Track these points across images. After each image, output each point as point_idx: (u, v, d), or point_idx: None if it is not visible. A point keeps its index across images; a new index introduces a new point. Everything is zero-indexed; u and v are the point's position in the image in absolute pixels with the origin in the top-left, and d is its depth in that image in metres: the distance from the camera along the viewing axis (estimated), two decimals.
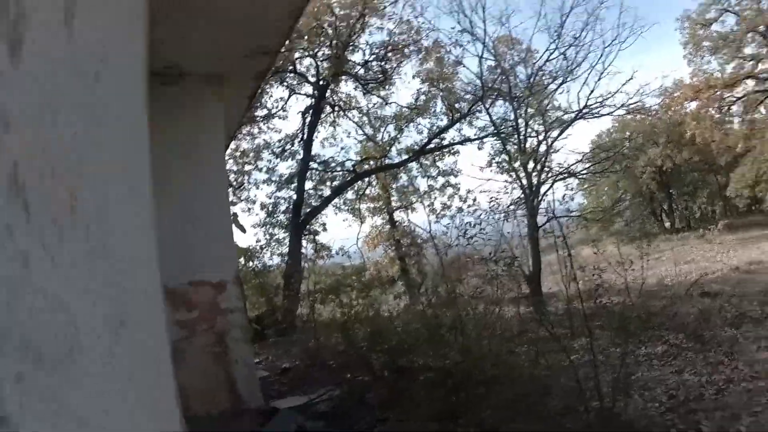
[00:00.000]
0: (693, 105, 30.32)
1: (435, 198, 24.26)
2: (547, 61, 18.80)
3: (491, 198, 8.63)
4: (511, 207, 8.93)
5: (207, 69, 6.49)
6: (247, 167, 22.18)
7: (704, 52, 30.42)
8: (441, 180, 24.06)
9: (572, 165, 18.76)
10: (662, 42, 57.88)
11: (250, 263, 17.35)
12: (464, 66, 20.06)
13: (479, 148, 21.69)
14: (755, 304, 11.73)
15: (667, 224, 41.08)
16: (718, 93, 28.96)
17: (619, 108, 19.15)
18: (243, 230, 8.10)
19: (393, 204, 24.84)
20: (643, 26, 24.26)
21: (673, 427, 5.73)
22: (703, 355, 8.49)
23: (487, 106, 19.54)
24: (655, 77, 59.27)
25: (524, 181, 16.82)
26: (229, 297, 6.43)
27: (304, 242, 20.24)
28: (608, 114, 19.57)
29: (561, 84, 18.92)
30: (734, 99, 29.78)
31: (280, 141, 21.60)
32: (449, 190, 24.11)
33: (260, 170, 22.00)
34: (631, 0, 35.27)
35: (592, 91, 19.07)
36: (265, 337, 14.01)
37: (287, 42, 10.06)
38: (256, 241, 20.79)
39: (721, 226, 30.89)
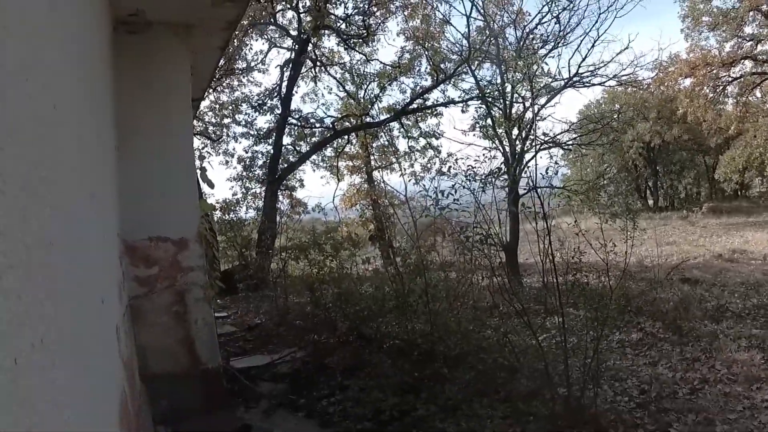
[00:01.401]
0: (687, 82, 29.69)
1: (415, 159, 24.09)
2: (538, 24, 18.20)
3: (468, 166, 8.30)
4: (490, 178, 8.61)
5: (173, 18, 6.16)
6: (225, 120, 21.96)
7: (703, 27, 29.58)
8: (422, 141, 23.83)
9: (558, 135, 18.44)
10: (661, 11, 57.41)
11: (226, 216, 17.17)
12: (451, 25, 19.59)
13: (463, 111, 21.27)
14: (736, 296, 11.55)
15: (651, 202, 41.13)
16: (714, 71, 28.39)
17: (611, 78, 18.66)
18: (211, 185, 7.85)
19: (372, 163, 24.59)
20: None
21: (641, 426, 5.50)
22: (680, 348, 8.28)
23: (474, 68, 19.03)
24: (651, 49, 58.83)
25: (507, 148, 16.54)
26: (191, 255, 6.19)
27: (280, 197, 20.07)
28: (599, 84, 19.05)
29: (552, 49, 18.34)
30: (730, 79, 29.28)
31: (259, 95, 21.29)
32: (430, 153, 23.90)
33: (239, 123, 21.77)
34: None
35: (584, 59, 18.71)
36: (237, 291, 13.92)
37: None
38: (233, 195, 20.59)
39: (705, 208, 30.84)
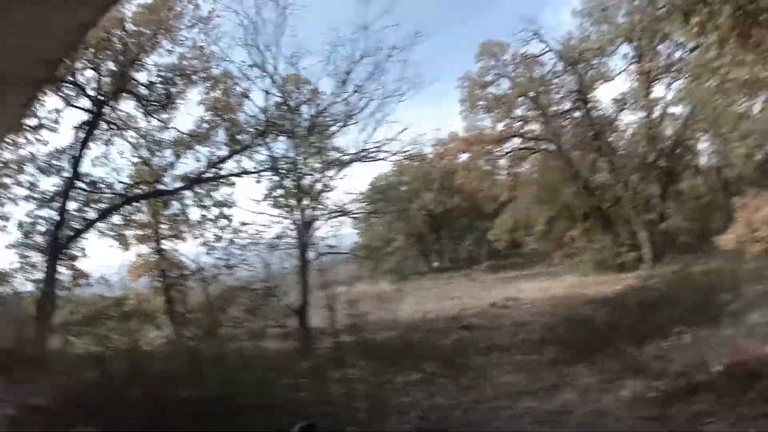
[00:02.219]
0: (465, 156, 32.85)
1: (207, 228, 23.74)
2: (331, 103, 19.55)
3: (255, 231, 8.67)
4: (276, 240, 8.99)
5: None
6: (6, 180, 20.29)
7: (479, 110, 32.84)
8: (215, 210, 23.61)
9: (346, 204, 19.44)
10: (443, 97, 61.62)
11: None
12: (250, 99, 20.17)
13: (257, 182, 21.59)
14: (505, 334, 13.22)
15: (436, 264, 43.25)
16: (488, 147, 31.57)
17: (395, 153, 20.36)
18: None
19: (162, 232, 23.91)
20: (422, 82, 25.70)
21: None
22: (456, 380, 9.27)
23: (269, 140, 19.78)
24: (432, 129, 62.97)
25: (298, 216, 17.10)
26: None
27: (62, 268, 18.97)
28: (383, 159, 20.71)
29: (342, 127, 19.68)
30: (502, 153, 32.65)
31: (47, 155, 19.88)
32: (223, 222, 23.71)
33: (21, 185, 20.04)
34: (419, 56, 37.29)
35: (369, 136, 19.97)
36: (13, 371, 13.05)
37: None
38: (9, 264, 19.09)
39: (484, 266, 33.54)
